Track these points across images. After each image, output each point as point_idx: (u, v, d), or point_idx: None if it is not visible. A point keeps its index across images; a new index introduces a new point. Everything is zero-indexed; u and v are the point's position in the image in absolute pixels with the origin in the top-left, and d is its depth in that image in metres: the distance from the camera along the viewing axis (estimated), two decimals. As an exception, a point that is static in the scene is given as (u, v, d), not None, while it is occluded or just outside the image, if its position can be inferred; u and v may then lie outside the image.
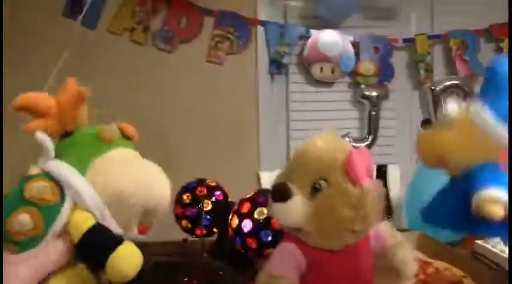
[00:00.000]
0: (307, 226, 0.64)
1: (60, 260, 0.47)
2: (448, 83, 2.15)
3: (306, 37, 2.11)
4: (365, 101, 2.17)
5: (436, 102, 2.14)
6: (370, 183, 0.65)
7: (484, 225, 0.53)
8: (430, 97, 2.12)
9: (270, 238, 0.92)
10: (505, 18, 2.14)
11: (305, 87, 2.17)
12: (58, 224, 0.48)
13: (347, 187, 0.63)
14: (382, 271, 0.74)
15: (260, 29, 2.09)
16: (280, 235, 0.71)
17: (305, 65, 2.13)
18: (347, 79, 2.19)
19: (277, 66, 2.10)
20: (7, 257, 0.45)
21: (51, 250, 0.46)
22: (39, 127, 0.53)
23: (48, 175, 0.50)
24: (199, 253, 1.15)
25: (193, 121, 2.02)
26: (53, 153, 0.52)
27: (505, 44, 2.20)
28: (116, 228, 0.51)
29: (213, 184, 1.30)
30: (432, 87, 2.15)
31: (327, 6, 2.08)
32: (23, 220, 0.46)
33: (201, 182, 1.28)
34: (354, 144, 2.16)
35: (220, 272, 0.82)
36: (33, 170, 0.52)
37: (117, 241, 0.48)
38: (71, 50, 1.38)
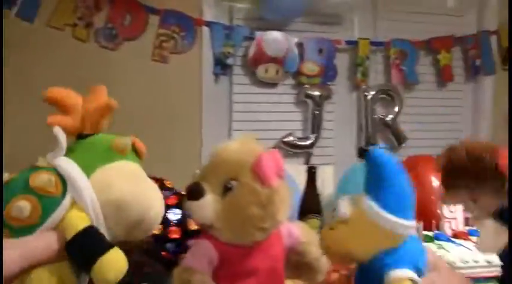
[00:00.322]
0: (218, 223, 0.68)
1: (49, 253, 0.47)
2: (379, 89, 2.27)
3: (250, 38, 2.14)
4: (308, 101, 2.22)
5: (367, 106, 2.25)
6: (279, 183, 0.68)
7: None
8: (363, 100, 2.22)
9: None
10: (444, 31, 2.27)
11: (249, 88, 2.20)
12: (54, 218, 0.48)
13: (256, 186, 0.67)
14: (296, 268, 0.78)
15: (205, 29, 2.11)
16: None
17: (250, 66, 2.16)
18: (291, 80, 2.24)
19: (221, 66, 2.12)
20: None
21: (42, 241, 0.47)
22: (60, 122, 0.55)
23: (54, 170, 0.51)
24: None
25: (136, 120, 2.01)
26: (64, 150, 0.53)
27: (442, 56, 2.32)
28: (104, 234, 0.53)
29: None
30: (365, 93, 2.25)
31: (272, 8, 2.12)
32: (21, 206, 0.47)
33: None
34: (297, 143, 2.22)
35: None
36: (41, 162, 0.53)
37: (109, 245, 0.49)
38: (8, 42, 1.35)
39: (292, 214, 0.80)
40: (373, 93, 2.29)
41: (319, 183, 1.39)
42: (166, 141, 2.02)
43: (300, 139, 2.24)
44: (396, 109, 2.32)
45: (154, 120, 2.04)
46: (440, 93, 2.41)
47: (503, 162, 0.74)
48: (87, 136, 0.56)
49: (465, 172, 0.77)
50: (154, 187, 0.57)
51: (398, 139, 2.32)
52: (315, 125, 2.23)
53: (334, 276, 1.01)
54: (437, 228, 1.21)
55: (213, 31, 2.11)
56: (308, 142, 2.24)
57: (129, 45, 2.03)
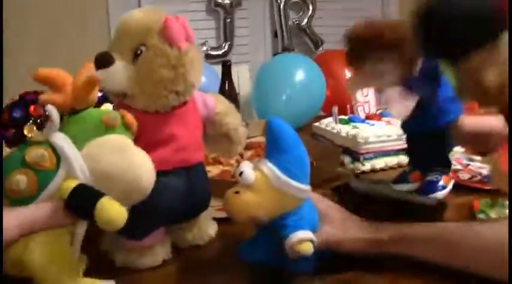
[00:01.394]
0: (131, 90, 0.65)
1: (46, 220, 0.52)
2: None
3: None
4: (219, 9, 2.16)
5: (280, 12, 2.23)
6: (188, 46, 0.66)
7: (293, 261, 0.63)
8: (276, 6, 2.18)
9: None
10: None
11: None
12: (50, 189, 0.53)
13: (165, 48, 0.64)
14: (214, 139, 0.77)
15: None
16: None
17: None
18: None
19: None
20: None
21: (40, 209, 0.52)
22: (51, 101, 0.58)
23: (49, 144, 0.55)
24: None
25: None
26: (57, 126, 0.57)
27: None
28: None
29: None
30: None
31: None
32: (19, 180, 0.52)
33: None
34: (211, 53, 2.18)
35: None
36: (38, 136, 0.60)
37: (102, 193, 0.54)
38: None
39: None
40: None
41: (235, 80, 1.38)
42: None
43: (213, 48, 2.19)
44: (310, 13, 2.31)
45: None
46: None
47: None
48: (78, 111, 0.59)
49: (369, 43, 0.78)
50: (143, 158, 0.59)
51: (315, 43, 2.33)
52: (227, 33, 2.19)
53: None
54: (352, 112, 1.25)
55: None
56: (221, 52, 2.20)
57: None
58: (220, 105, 0.76)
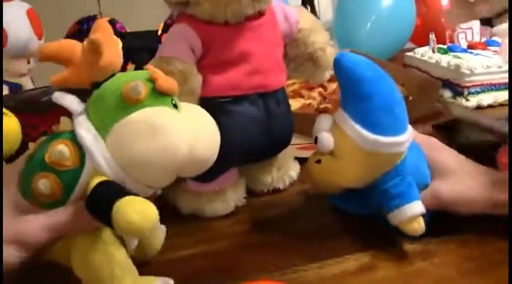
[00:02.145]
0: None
1: (79, 222, 0.44)
2: None
3: None
4: None
5: None
6: None
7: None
8: None
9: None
10: None
11: None
12: (78, 190, 0.44)
13: None
14: (295, 62, 0.64)
15: None
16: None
17: None
18: None
19: None
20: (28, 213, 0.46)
21: (69, 211, 0.44)
22: (61, 80, 0.46)
23: (72, 135, 0.45)
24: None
25: None
26: (77, 110, 0.46)
27: None
28: (143, 189, 0.45)
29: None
30: None
31: None
32: (42, 184, 0.44)
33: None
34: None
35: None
36: (64, 123, 0.47)
37: (127, 193, 0.42)
38: None
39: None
40: None
41: (316, 4, 1.23)
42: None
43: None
44: None
45: None
46: None
47: None
48: (101, 84, 0.46)
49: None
50: (181, 128, 0.44)
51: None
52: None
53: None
54: (451, 41, 1.06)
55: None
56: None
57: None
58: (305, 20, 0.62)
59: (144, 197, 0.42)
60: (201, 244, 0.55)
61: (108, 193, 0.42)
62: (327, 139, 0.49)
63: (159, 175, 0.45)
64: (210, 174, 0.57)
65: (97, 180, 0.43)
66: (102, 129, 0.44)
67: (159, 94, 0.44)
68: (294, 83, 0.95)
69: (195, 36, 0.54)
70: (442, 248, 0.51)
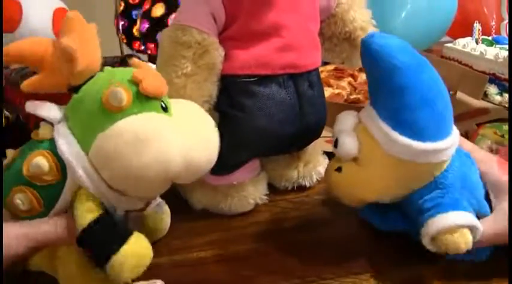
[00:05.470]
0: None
1: (60, 235, 0.41)
2: None
3: None
4: None
5: None
6: None
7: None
8: None
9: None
10: None
11: None
12: (59, 205, 0.41)
13: None
14: (330, 41, 0.56)
15: None
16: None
17: None
18: None
19: None
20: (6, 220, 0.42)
21: (50, 224, 0.41)
22: (33, 86, 0.41)
23: (52, 145, 0.40)
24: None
25: None
26: (56, 118, 0.41)
27: None
28: (130, 205, 0.42)
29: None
30: None
31: None
32: (18, 199, 0.40)
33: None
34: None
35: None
36: (44, 129, 0.42)
37: (122, 237, 0.39)
38: None
39: None
40: None
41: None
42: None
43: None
44: None
45: None
46: None
47: None
48: (77, 88, 0.40)
49: None
50: (172, 136, 0.39)
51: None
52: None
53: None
54: (497, 32, 0.97)
55: None
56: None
57: None
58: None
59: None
60: (213, 246, 0.49)
61: (102, 241, 0.39)
62: (349, 142, 0.41)
63: (149, 188, 0.40)
64: (228, 166, 0.49)
65: (85, 213, 0.39)
66: (84, 139, 0.39)
67: (145, 98, 0.39)
68: (321, 71, 0.88)
69: (218, 2, 0.47)
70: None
